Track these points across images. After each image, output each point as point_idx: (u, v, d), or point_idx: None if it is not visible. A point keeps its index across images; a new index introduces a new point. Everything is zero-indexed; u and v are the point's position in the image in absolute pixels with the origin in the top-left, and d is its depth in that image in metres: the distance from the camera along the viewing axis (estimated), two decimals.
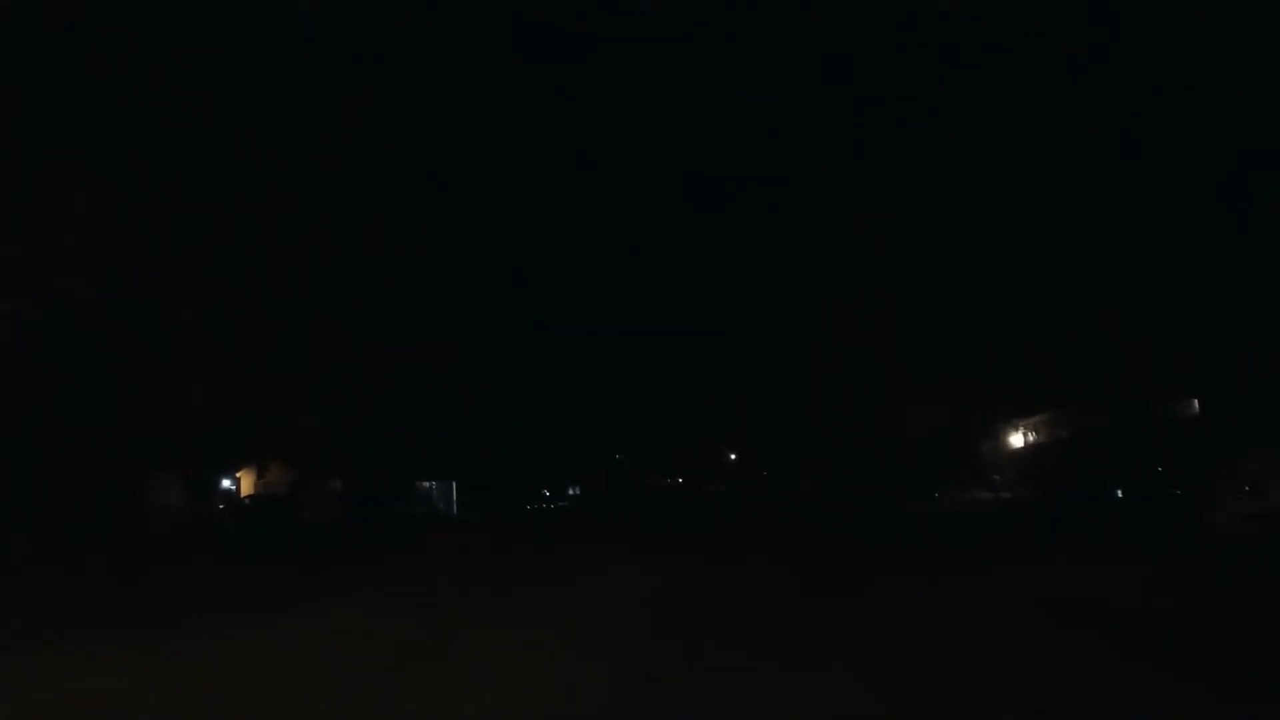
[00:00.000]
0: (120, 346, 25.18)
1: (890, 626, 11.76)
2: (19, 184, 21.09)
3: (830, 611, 13.38)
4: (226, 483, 39.14)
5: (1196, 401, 35.28)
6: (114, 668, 9.79)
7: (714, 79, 36.52)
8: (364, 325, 40.87)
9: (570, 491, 77.25)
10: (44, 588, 17.92)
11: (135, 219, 23.55)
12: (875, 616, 12.72)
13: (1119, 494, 35.51)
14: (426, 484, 57.59)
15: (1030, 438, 47.49)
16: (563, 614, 13.21)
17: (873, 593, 15.38)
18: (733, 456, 79.18)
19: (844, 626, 11.96)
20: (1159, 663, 9.36)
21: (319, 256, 35.57)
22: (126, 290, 24.28)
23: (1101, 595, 14.33)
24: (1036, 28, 30.40)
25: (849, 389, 50.91)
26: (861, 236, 42.79)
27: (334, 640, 11.35)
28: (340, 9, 29.40)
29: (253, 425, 35.95)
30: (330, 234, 34.20)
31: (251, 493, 39.77)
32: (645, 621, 12.44)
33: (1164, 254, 31.96)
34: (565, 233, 45.39)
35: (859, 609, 13.54)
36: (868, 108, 37.23)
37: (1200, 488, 28.22)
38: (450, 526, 45.03)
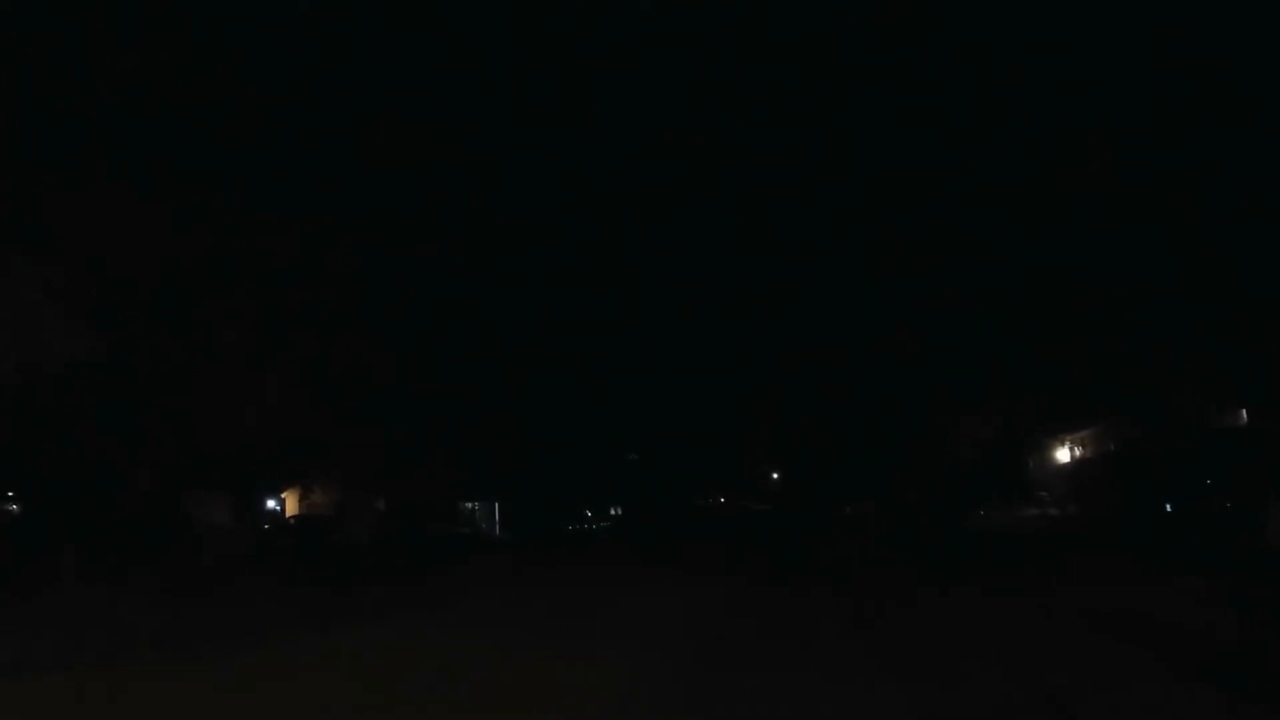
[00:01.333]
0: (171, 367, 25.84)
1: (936, 643, 11.65)
2: (64, 203, 21.79)
3: (877, 628, 13.32)
4: (271, 503, 39.79)
5: (1244, 411, 34.58)
6: (159, 683, 10.02)
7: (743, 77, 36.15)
8: (406, 347, 41.41)
9: (612, 511, 77.16)
10: (93, 603, 18.28)
11: (181, 239, 24.18)
12: (922, 633, 12.61)
13: (1168, 507, 34.84)
14: (469, 505, 57.95)
15: (1077, 452, 46.76)
16: (605, 635, 13.30)
17: (920, 610, 15.24)
18: (775, 476, 78.62)
19: (889, 643, 11.88)
20: (1214, 682, 9.14)
21: (361, 279, 36.16)
22: (176, 312, 24.95)
23: (1154, 612, 14.00)
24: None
25: (895, 406, 50.51)
26: (895, 246, 42.46)
27: (380, 659, 11.51)
28: (362, 30, 29.90)
29: (300, 446, 36.62)
30: (366, 255, 34.72)
31: (296, 513, 40.38)
32: (687, 645, 12.44)
33: (1204, 262, 31.45)
34: (599, 246, 45.18)
35: (906, 625, 13.44)
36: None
37: (1251, 499, 27.61)
38: (492, 546, 45.22)
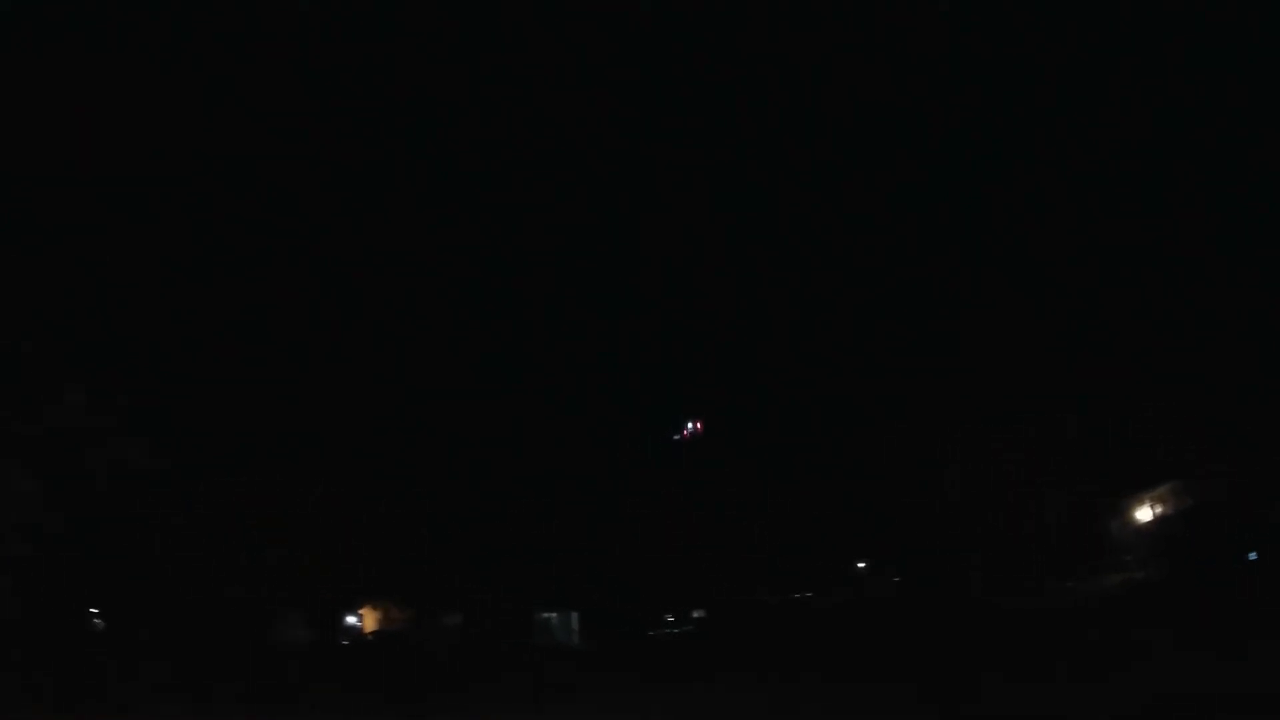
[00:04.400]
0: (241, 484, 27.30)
1: None
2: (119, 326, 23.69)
3: None
4: (351, 619, 40.75)
5: None
6: None
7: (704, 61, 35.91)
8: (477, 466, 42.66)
9: (694, 614, 75.92)
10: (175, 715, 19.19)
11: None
12: None
13: (1253, 556, 33.62)
14: (547, 615, 57.94)
15: (1157, 510, 45.25)
16: None
17: None
18: (861, 565, 76.69)
19: None
20: None
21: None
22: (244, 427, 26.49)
23: None
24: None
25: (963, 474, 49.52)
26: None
27: None
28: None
29: (377, 564, 37.73)
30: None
31: (375, 628, 41.28)
32: None
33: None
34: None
35: None
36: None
37: None
38: (569, 656, 45.24)
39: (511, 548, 46.95)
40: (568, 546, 51.40)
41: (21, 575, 23.18)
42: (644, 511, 59.51)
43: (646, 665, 34.06)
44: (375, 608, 42.21)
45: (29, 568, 23.27)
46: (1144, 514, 46.62)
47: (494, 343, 37.51)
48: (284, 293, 28.34)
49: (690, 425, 56.69)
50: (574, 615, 61.61)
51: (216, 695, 22.68)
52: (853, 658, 27.40)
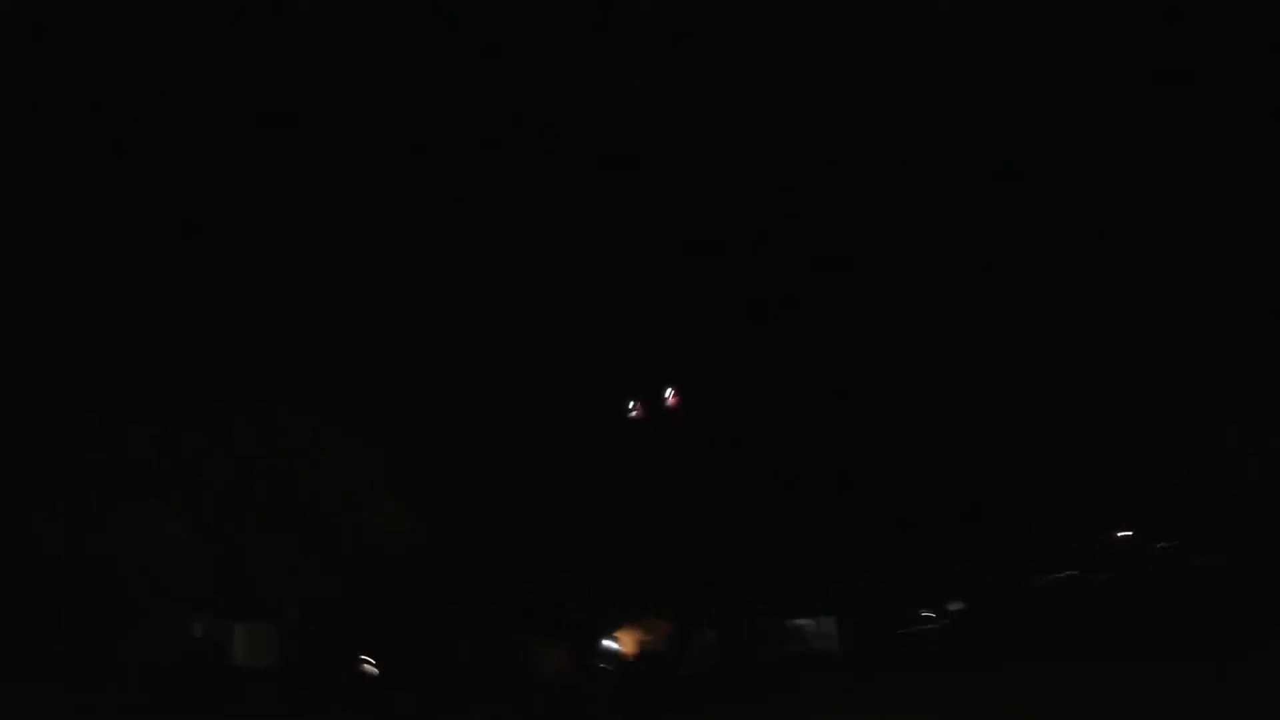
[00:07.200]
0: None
1: None
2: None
3: None
4: (609, 643, 41.93)
5: None
6: None
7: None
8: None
9: (950, 607, 72.42)
10: None
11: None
12: None
13: None
14: (802, 621, 57.22)
15: None
16: None
17: None
18: (1120, 534, 70.11)
19: None
20: None
21: None
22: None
23: None
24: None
25: None
26: None
27: None
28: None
29: (630, 589, 38.77)
30: None
31: (634, 650, 42.18)
32: None
33: None
34: None
35: None
36: None
37: None
38: (826, 664, 44.43)
39: (765, 555, 46.99)
40: (819, 547, 50.56)
41: (292, 631, 25.49)
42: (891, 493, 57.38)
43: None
44: (633, 629, 43.13)
45: (300, 625, 25.51)
46: None
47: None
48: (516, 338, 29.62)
49: None
50: (831, 619, 60.44)
51: None
52: None
